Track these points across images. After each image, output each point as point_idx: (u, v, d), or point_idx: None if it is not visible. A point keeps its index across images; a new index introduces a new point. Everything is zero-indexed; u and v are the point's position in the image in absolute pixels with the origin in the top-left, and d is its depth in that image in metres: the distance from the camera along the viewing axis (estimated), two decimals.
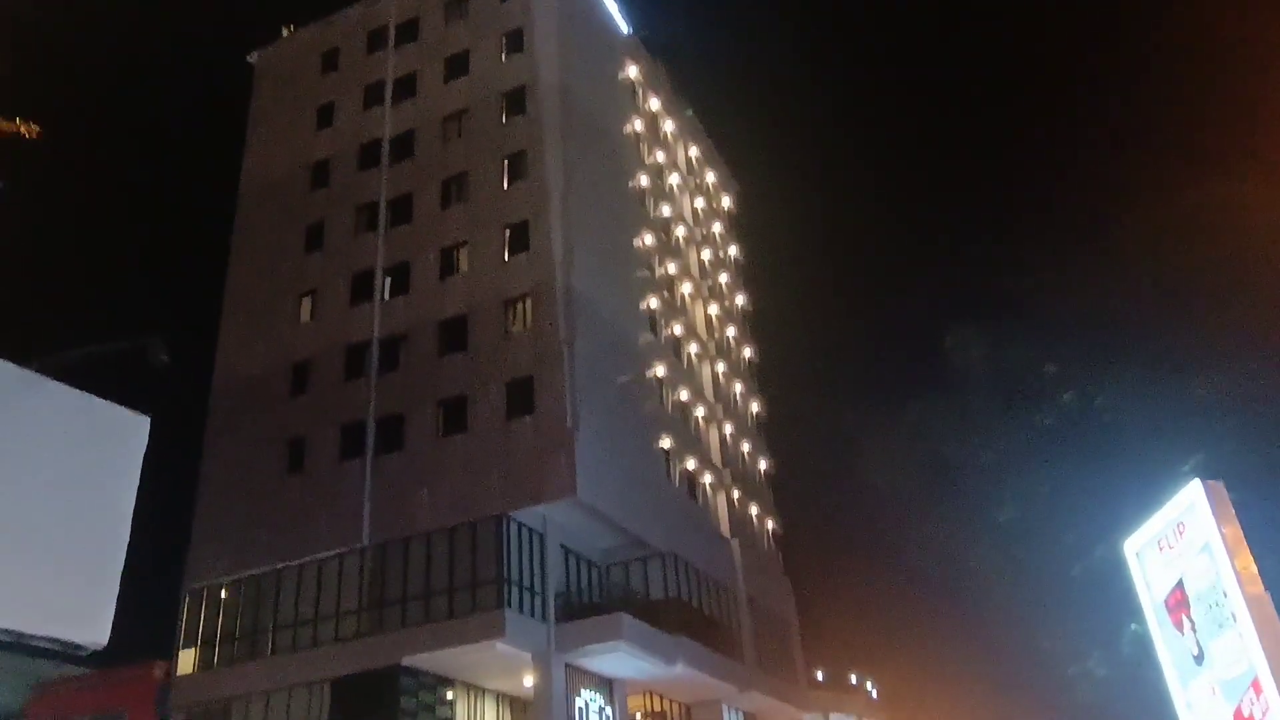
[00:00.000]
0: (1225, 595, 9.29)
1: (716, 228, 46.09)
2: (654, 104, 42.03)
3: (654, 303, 34.93)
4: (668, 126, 43.03)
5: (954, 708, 46.95)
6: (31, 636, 3.68)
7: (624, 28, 41.27)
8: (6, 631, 3.62)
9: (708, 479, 35.62)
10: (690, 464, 34.24)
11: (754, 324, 46.72)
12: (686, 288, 39.45)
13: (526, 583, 26.02)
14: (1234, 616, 9.15)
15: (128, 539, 4.10)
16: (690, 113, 45.53)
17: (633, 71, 40.32)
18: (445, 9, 37.45)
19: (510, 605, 24.97)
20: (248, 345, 33.72)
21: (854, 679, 46.62)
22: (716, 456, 37.32)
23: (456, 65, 35.82)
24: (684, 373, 36.37)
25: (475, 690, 27.02)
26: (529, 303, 29.75)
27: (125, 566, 4.06)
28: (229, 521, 30.12)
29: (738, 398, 41.89)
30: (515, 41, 34.98)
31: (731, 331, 43.68)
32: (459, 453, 28.12)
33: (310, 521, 28.77)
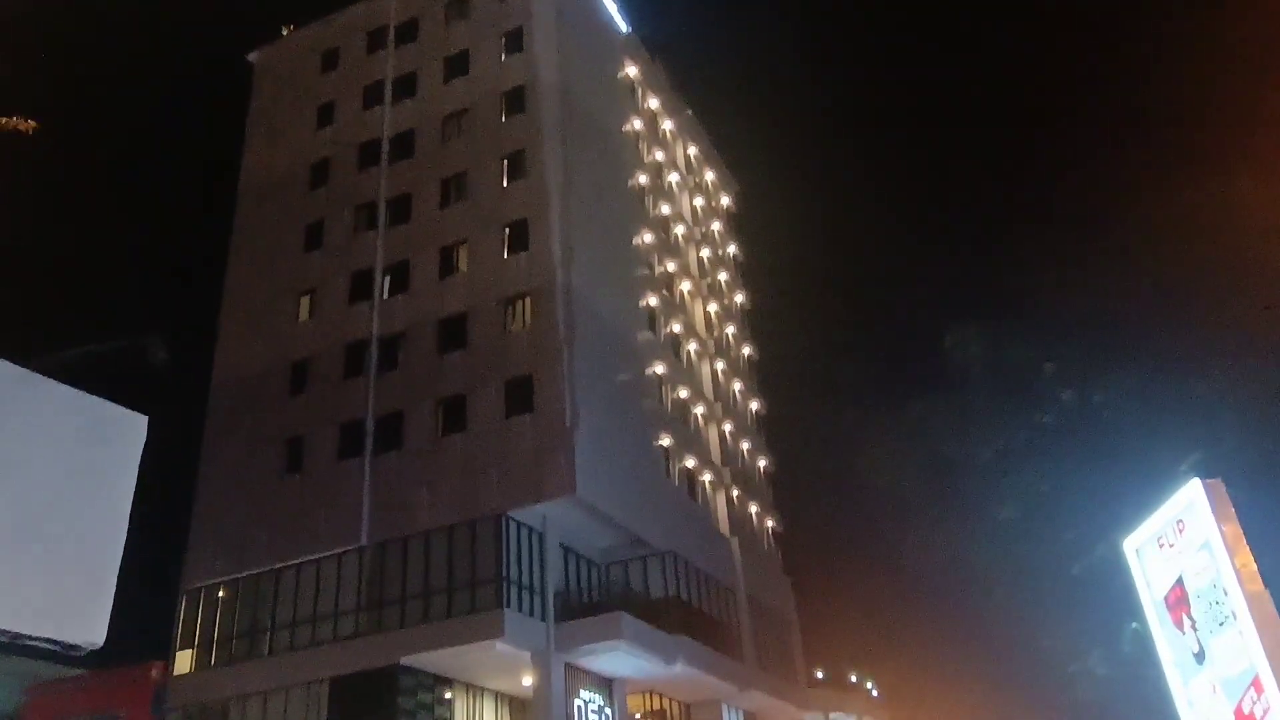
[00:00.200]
0: (1225, 593, 9.28)
1: (716, 226, 46.13)
2: (653, 103, 42.04)
3: (653, 301, 34.93)
4: (667, 125, 43.06)
5: (954, 706, 46.92)
6: (27, 636, 3.66)
7: (623, 27, 41.28)
8: (1, 631, 3.59)
9: (707, 477, 35.63)
10: (690, 462, 34.25)
11: (753, 322, 46.78)
12: (686, 286, 39.46)
13: (526, 582, 26.01)
14: (1234, 614, 9.14)
15: (125, 538, 4.07)
16: (690, 112, 45.54)
17: (632, 71, 40.34)
18: (445, 9, 37.46)
19: (509, 605, 24.96)
20: (247, 344, 33.70)
21: (854, 678, 46.70)
22: (716, 455, 37.32)
23: (456, 65, 35.83)
24: (683, 371, 36.38)
25: (474, 690, 27.00)
26: (528, 301, 29.75)
27: (122, 566, 4.04)
28: (227, 521, 30.10)
29: (737, 396, 41.90)
30: (515, 41, 34.98)
31: (731, 330, 43.71)
32: (458, 452, 28.10)
33: (309, 521, 28.75)
